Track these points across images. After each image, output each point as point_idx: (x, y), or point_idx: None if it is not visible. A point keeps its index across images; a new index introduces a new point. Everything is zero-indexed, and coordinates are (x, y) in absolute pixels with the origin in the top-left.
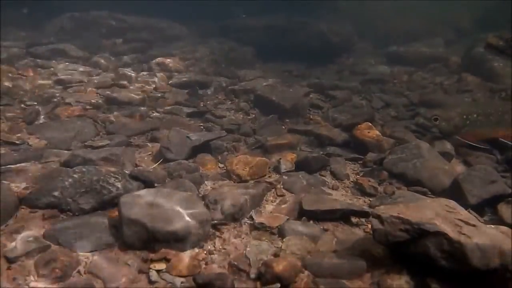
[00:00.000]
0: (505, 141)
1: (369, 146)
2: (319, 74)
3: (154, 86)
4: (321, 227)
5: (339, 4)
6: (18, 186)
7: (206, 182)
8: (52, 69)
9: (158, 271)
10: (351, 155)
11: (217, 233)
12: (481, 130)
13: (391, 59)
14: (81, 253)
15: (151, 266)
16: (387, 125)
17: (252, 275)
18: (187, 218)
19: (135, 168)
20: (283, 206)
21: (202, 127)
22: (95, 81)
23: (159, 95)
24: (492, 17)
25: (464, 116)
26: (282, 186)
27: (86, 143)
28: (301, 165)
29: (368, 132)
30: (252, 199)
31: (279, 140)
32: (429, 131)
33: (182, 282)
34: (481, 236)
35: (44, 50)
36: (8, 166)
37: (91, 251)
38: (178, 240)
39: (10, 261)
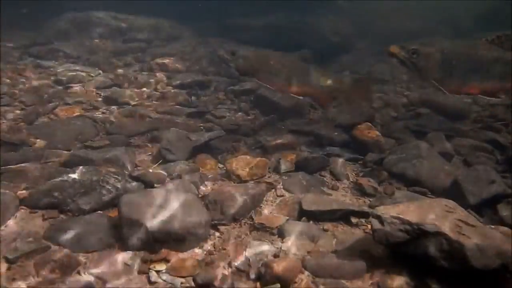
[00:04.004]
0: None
1: (369, 146)
2: None
3: (153, 86)
4: (321, 228)
5: (339, 4)
6: (18, 186)
7: (206, 182)
8: (51, 69)
9: (158, 272)
10: (351, 156)
11: (217, 234)
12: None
13: (391, 59)
14: (81, 254)
15: (151, 266)
16: (387, 125)
17: (252, 276)
18: (187, 219)
19: (135, 169)
20: (283, 206)
21: (202, 128)
22: (95, 81)
23: (159, 95)
24: (492, 16)
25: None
26: (282, 187)
27: (86, 144)
28: (301, 166)
29: (368, 132)
30: (252, 199)
31: (279, 140)
32: (228, 66)
33: (182, 283)
34: (480, 236)
35: (44, 50)
36: (8, 166)
37: (91, 252)
38: (178, 241)
39: (10, 261)
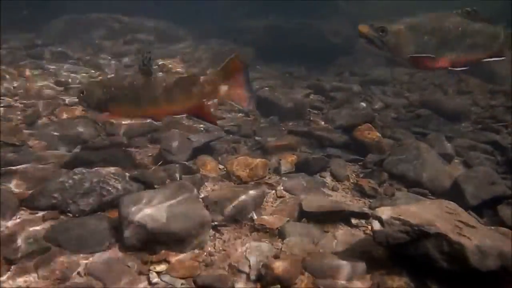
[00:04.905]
0: None
1: (369, 147)
2: (319, 75)
3: None
4: (321, 229)
5: (339, 5)
6: (18, 187)
7: (206, 183)
8: (52, 70)
9: (158, 273)
10: (351, 157)
11: (217, 235)
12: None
13: (391, 60)
14: (81, 255)
15: (151, 267)
16: (387, 126)
17: (252, 277)
18: (187, 220)
19: (135, 170)
20: (283, 207)
21: (202, 129)
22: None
23: None
24: (492, 17)
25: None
26: (282, 188)
27: (86, 145)
28: (301, 167)
29: (368, 134)
30: (252, 200)
31: (279, 142)
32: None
33: (182, 284)
34: (481, 237)
35: (44, 52)
36: (9, 167)
37: (91, 253)
38: (178, 242)
39: (10, 262)
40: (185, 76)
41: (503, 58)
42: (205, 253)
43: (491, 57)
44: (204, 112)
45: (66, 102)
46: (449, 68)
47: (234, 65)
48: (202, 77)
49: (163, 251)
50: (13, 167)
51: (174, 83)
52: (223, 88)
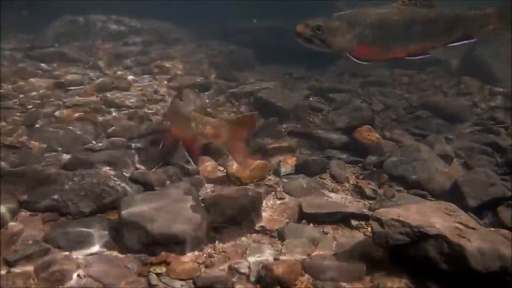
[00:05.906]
0: None
1: (369, 148)
2: (319, 77)
3: (154, 88)
4: (321, 230)
5: (337, 5)
6: (18, 189)
7: (206, 185)
8: (52, 72)
9: (158, 274)
10: (351, 158)
11: (217, 236)
12: None
13: (391, 62)
14: (81, 256)
15: (151, 269)
16: (387, 127)
17: (252, 278)
18: (187, 221)
19: (135, 171)
20: (283, 209)
21: None
22: (95, 83)
23: (159, 98)
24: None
25: None
26: (282, 189)
27: (86, 146)
28: (301, 168)
29: (368, 135)
30: (252, 202)
31: (279, 143)
32: None
33: (182, 285)
34: (481, 239)
35: (44, 53)
36: (8, 169)
37: (90, 254)
38: (178, 243)
39: (10, 264)
40: (186, 110)
41: (473, 40)
42: (204, 255)
43: (458, 41)
44: (192, 148)
45: (66, 103)
46: (405, 57)
47: (248, 122)
48: (206, 118)
49: (162, 253)
50: (13, 169)
51: (176, 113)
52: (225, 136)
